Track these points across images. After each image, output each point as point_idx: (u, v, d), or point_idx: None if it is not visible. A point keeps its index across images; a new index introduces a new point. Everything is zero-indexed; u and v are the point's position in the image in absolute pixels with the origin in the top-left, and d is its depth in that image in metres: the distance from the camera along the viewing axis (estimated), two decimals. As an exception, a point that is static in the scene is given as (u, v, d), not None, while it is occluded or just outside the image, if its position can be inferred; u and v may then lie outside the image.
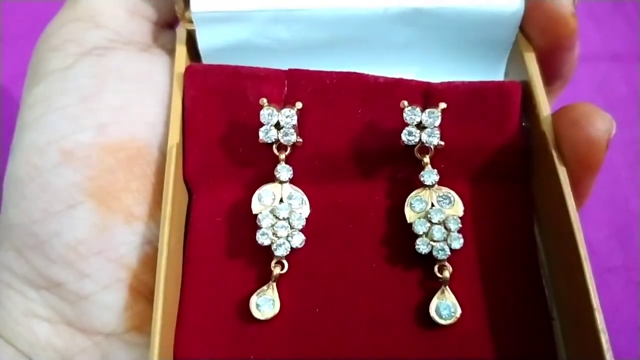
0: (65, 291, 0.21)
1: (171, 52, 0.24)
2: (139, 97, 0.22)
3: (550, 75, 0.23)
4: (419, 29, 0.23)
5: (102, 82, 0.21)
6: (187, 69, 0.23)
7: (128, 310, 0.21)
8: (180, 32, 0.24)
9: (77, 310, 0.21)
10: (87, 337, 0.21)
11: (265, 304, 0.20)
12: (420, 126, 0.21)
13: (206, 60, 0.24)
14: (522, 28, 0.23)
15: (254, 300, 0.20)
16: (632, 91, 0.41)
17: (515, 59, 0.24)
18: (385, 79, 0.22)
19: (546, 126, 0.21)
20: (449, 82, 0.22)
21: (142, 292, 0.21)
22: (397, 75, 0.23)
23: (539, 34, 0.22)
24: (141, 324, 0.21)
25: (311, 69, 0.23)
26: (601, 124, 0.20)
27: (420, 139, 0.21)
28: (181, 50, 0.23)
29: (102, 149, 0.21)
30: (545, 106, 0.22)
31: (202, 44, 0.24)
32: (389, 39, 0.24)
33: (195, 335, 0.20)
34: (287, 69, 0.23)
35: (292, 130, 0.21)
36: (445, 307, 0.20)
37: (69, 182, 0.20)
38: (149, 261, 0.21)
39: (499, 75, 0.25)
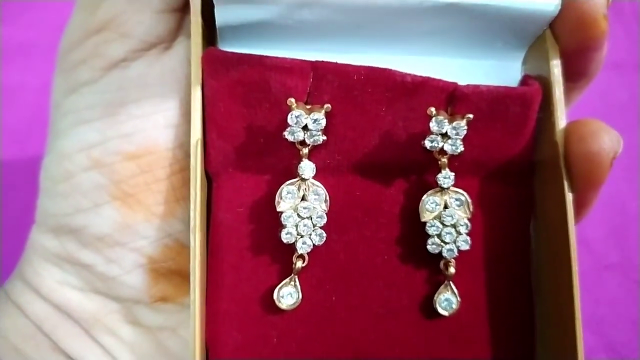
0: (95, 271, 0.23)
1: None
2: (161, 101, 0.22)
3: (576, 74, 0.23)
4: (448, 20, 0.22)
5: (125, 94, 0.22)
6: (205, 56, 0.21)
7: (151, 289, 0.23)
8: (195, 2, 0.21)
9: (106, 285, 0.23)
10: (117, 302, 0.23)
11: (287, 295, 0.22)
12: (445, 135, 0.21)
13: (223, 37, 0.23)
14: (552, 26, 0.22)
15: (277, 292, 0.22)
16: (632, 99, 0.43)
17: (537, 49, 0.23)
18: (413, 77, 0.22)
19: (559, 136, 0.22)
20: (475, 86, 0.22)
21: (162, 274, 0.23)
22: (418, 61, 0.23)
23: (568, 34, 0.22)
24: (164, 297, 0.23)
25: (334, 52, 0.22)
26: (607, 142, 0.21)
27: (442, 146, 0.22)
28: (196, 21, 0.21)
29: (125, 157, 0.22)
30: (561, 116, 0.22)
31: (219, 21, 0.22)
32: (416, 28, 0.23)
33: (223, 320, 0.22)
34: (313, 60, 0.22)
35: (320, 133, 0.21)
36: (446, 299, 0.23)
37: (96, 185, 0.22)
38: (169, 251, 0.23)
39: (516, 62, 0.25)
